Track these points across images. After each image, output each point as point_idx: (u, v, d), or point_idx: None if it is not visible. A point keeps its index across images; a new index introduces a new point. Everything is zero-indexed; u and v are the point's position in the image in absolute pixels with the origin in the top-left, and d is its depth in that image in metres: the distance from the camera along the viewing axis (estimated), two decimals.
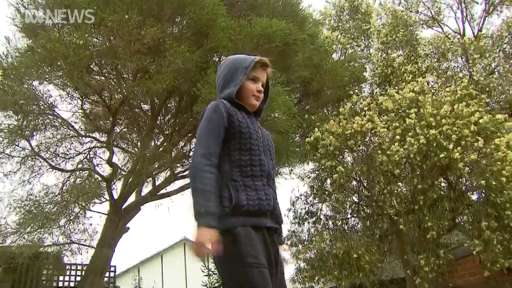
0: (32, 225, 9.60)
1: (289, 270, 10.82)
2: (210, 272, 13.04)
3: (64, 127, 10.08)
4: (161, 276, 19.23)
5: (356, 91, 11.66)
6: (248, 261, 2.07)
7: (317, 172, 11.18)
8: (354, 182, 10.28)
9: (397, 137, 8.64)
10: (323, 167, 9.76)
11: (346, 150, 9.88)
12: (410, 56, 11.88)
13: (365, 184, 10.27)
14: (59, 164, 10.31)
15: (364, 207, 10.76)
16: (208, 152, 2.23)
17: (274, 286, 2.15)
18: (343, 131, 9.20)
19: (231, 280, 2.12)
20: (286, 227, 10.96)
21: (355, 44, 13.39)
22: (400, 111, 9.35)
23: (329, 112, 11.44)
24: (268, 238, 2.26)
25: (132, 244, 24.41)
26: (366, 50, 13.39)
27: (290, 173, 11.45)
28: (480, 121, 8.28)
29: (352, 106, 9.91)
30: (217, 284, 13.00)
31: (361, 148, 9.90)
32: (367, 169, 9.46)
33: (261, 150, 2.37)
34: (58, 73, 8.81)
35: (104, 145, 10.21)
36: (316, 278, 10.26)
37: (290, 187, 20.77)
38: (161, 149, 9.57)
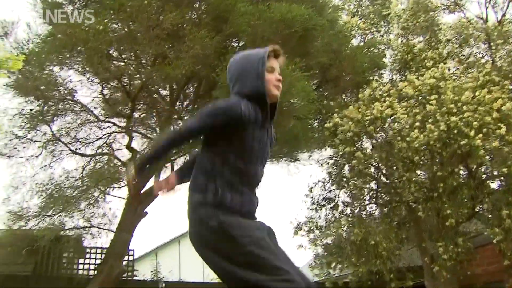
0: (53, 208, 9.80)
1: (306, 256, 10.83)
2: None
3: (84, 112, 10.19)
4: (178, 261, 19.42)
5: (376, 77, 11.52)
6: (243, 242, 2.02)
7: (335, 158, 11.14)
8: (373, 169, 10.24)
9: (417, 123, 8.56)
10: (341, 153, 9.74)
11: (365, 136, 9.82)
12: (431, 41, 11.68)
13: (383, 170, 10.23)
14: (79, 149, 10.45)
15: (382, 194, 10.73)
16: (193, 130, 2.26)
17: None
18: (362, 117, 9.14)
19: (232, 271, 2.03)
20: (303, 214, 10.99)
21: (375, 29, 13.20)
22: (420, 97, 9.25)
23: (348, 98, 11.36)
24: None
25: (150, 229, 24.73)
26: (386, 36, 13.19)
27: (308, 158, 11.39)
28: (503, 108, 8.15)
29: (372, 92, 9.80)
30: None
31: (380, 134, 9.83)
32: (386, 155, 9.41)
33: (258, 160, 2.31)
34: (78, 58, 8.88)
35: (124, 130, 10.29)
36: (333, 265, 10.28)
37: (308, 173, 20.71)
38: None
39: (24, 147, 10.10)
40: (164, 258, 18.23)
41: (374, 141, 9.97)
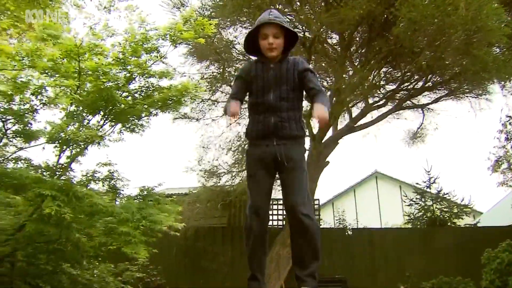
0: (241, 164, 10.37)
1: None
2: (411, 202, 12.69)
3: None
4: (355, 209, 19.45)
5: None
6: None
7: None
8: None
9: None
10: None
11: None
12: None
13: None
14: None
15: None
16: None
17: None
18: None
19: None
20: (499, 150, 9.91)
21: None
22: None
23: None
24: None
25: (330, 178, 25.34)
26: None
27: (502, 89, 10.20)
28: None
29: None
30: (418, 214, 12.56)
31: None
32: None
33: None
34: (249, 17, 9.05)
35: None
36: None
37: (498, 107, 18.60)
38: (355, 78, 9.28)
39: (209, 109, 10.79)
40: (341, 207, 18.42)
41: None
